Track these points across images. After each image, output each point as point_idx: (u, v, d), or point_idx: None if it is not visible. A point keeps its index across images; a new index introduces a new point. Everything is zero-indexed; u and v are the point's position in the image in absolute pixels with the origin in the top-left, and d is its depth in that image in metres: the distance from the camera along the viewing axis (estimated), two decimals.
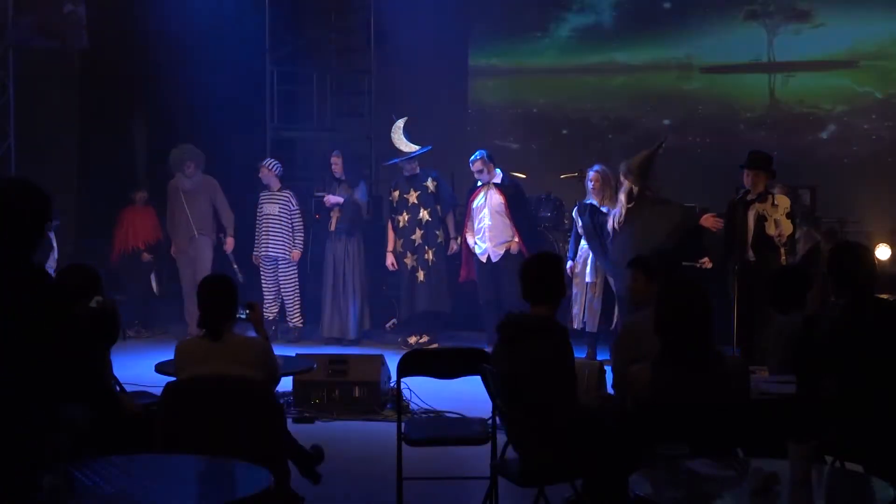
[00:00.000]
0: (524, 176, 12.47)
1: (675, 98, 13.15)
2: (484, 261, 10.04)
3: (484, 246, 10.03)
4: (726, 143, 11.97)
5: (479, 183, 10.08)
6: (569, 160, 12.00)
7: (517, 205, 10.09)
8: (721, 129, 12.82)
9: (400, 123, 10.45)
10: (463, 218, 10.34)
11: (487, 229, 10.00)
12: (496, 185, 10.04)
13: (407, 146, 10.37)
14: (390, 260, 10.53)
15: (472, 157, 10.04)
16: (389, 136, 10.61)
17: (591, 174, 9.42)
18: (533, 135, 13.70)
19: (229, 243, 10.77)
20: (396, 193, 10.54)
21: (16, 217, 3.43)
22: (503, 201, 9.97)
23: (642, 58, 13.29)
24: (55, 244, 10.72)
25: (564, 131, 13.67)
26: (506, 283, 9.79)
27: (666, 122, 13.26)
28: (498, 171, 10.09)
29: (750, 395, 4.71)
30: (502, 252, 9.98)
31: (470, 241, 10.16)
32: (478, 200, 10.10)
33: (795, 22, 12.66)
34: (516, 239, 9.95)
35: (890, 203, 11.60)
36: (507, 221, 9.97)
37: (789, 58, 12.71)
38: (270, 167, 10.61)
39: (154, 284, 11.60)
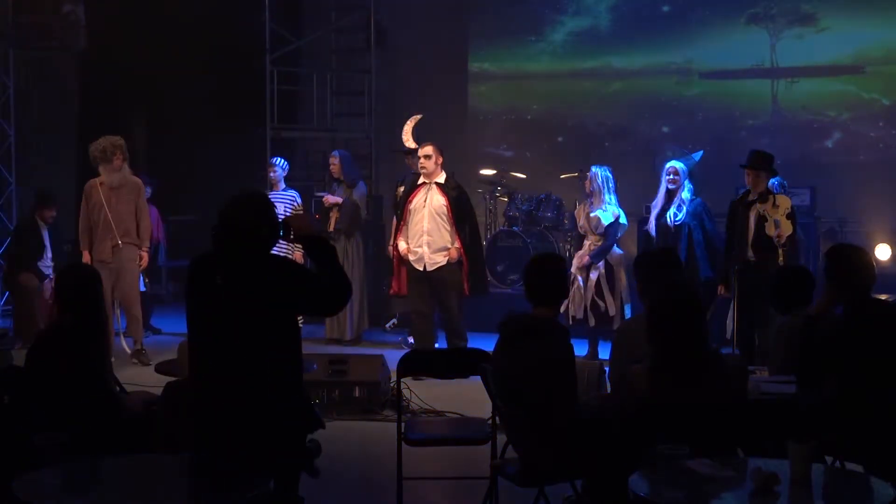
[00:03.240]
0: (524, 176, 12.48)
1: (675, 104, 12.97)
2: (420, 269, 9.21)
3: (419, 252, 9.21)
4: (727, 150, 11.51)
5: (420, 181, 9.31)
6: (565, 168, 11.90)
7: (461, 210, 9.25)
8: (722, 136, 12.50)
9: (416, 118, 10.37)
10: (399, 221, 9.47)
11: (426, 233, 9.17)
12: (438, 185, 9.24)
13: (411, 144, 10.33)
14: (403, 247, 9.33)
15: (424, 144, 9.31)
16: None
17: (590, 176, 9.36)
18: (527, 142, 13.49)
19: (143, 259, 9.37)
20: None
21: (259, 222, 4.26)
22: (445, 203, 9.17)
23: (640, 63, 13.11)
24: (48, 244, 10.67)
25: (560, 138, 13.49)
26: (444, 296, 9.22)
27: (665, 129, 13.12)
28: (442, 171, 9.31)
29: (747, 395, 4.72)
30: (442, 261, 9.16)
31: (402, 247, 9.30)
32: (416, 201, 9.26)
33: (799, 26, 12.44)
34: (457, 245, 9.16)
35: (890, 203, 11.53)
36: (448, 227, 9.17)
37: (793, 63, 12.50)
38: (284, 167, 10.53)
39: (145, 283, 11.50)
